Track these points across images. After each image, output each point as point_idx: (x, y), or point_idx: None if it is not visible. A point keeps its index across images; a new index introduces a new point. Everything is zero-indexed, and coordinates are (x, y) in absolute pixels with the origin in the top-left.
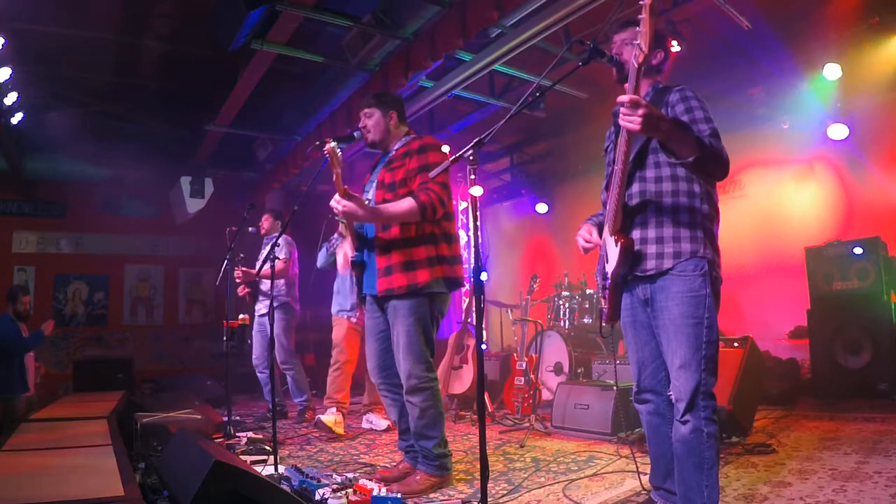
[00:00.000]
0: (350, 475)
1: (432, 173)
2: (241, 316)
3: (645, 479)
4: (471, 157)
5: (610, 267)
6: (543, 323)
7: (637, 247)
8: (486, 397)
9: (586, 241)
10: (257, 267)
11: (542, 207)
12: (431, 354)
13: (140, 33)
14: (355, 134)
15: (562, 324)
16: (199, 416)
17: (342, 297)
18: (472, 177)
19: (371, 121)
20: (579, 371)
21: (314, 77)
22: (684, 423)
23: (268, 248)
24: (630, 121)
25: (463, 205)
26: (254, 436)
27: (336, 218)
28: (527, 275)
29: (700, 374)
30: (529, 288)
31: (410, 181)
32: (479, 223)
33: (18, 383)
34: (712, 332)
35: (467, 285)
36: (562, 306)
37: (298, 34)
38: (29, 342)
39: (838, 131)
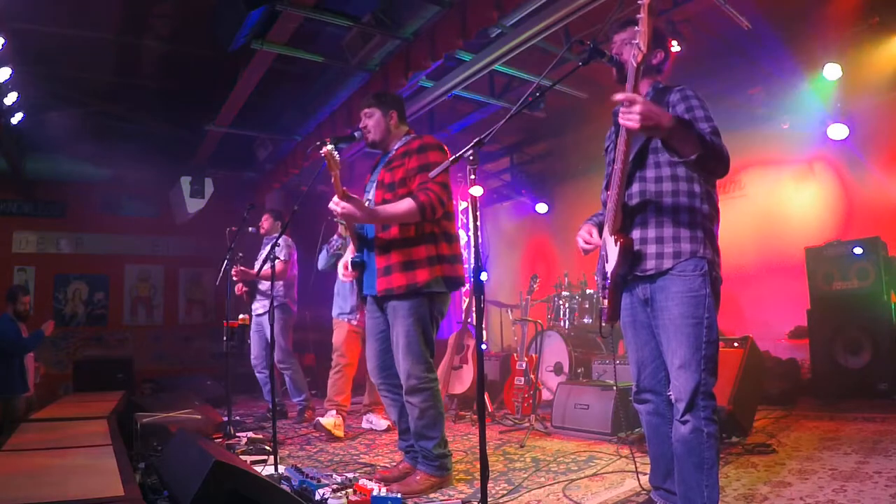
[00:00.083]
0: (350, 475)
1: (432, 173)
2: (241, 316)
3: (644, 479)
4: (471, 157)
5: (610, 267)
6: (543, 323)
7: (637, 247)
8: (486, 397)
9: (586, 243)
10: (256, 267)
11: (542, 207)
12: (431, 355)
13: (140, 33)
14: (356, 134)
15: (562, 324)
16: (199, 416)
17: (342, 299)
18: (472, 177)
19: (371, 121)
20: (579, 371)
21: (314, 77)
22: (684, 422)
23: (267, 248)
24: (629, 118)
25: (463, 205)
26: (254, 436)
27: (336, 220)
28: (527, 275)
29: (700, 374)
30: (529, 288)
31: (410, 181)
32: (479, 223)
33: (18, 383)
34: (712, 332)
35: (467, 285)
36: (562, 306)
37: (298, 34)
38: (29, 343)
39: (838, 131)
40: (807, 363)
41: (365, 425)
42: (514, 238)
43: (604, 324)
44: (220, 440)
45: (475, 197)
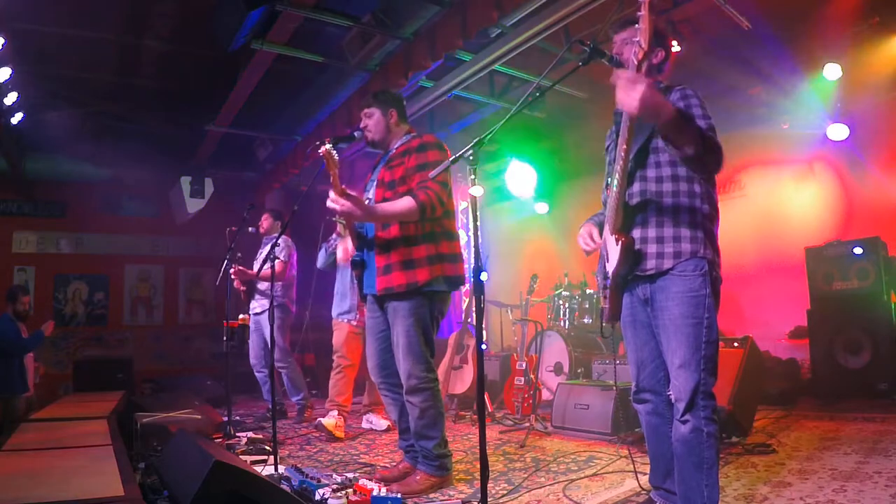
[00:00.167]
0: (350, 475)
1: (432, 174)
2: (241, 316)
3: (644, 479)
4: (471, 157)
5: (611, 266)
6: (543, 323)
7: (637, 246)
8: (486, 397)
9: (587, 245)
10: (256, 267)
11: (542, 207)
12: (431, 354)
13: (140, 33)
14: (355, 134)
15: (562, 324)
16: (199, 416)
17: (341, 299)
18: (472, 177)
19: (371, 120)
20: (579, 371)
21: (314, 77)
22: (684, 422)
23: (267, 248)
24: (628, 96)
25: (463, 205)
26: (254, 436)
27: (334, 219)
28: (527, 275)
29: (700, 374)
30: (529, 288)
31: (409, 179)
32: (479, 223)
33: (18, 383)
34: (712, 332)
35: (467, 285)
36: (562, 306)
37: (298, 34)
38: (28, 343)
39: (838, 131)
40: (807, 363)
41: (365, 425)
42: (514, 238)
43: (604, 324)
44: (220, 440)
45: (475, 197)
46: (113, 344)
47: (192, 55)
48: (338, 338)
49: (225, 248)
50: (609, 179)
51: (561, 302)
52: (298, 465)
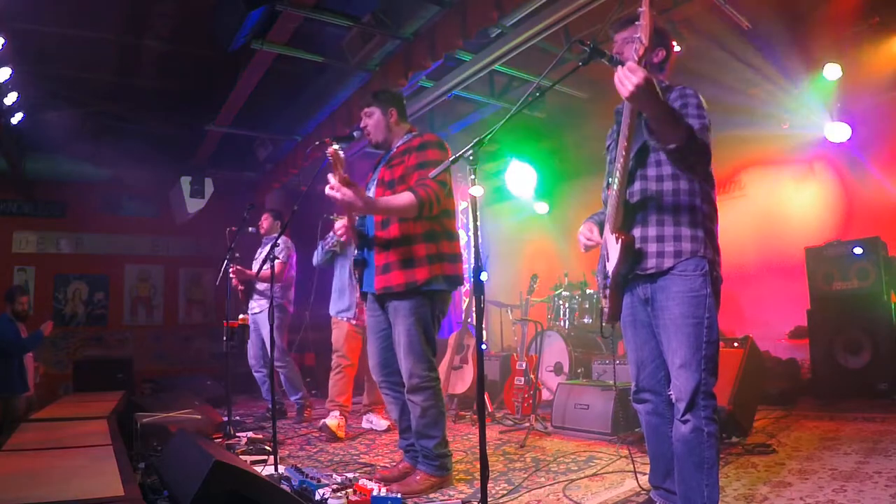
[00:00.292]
0: (350, 475)
1: (432, 173)
2: (241, 316)
3: (644, 479)
4: (471, 157)
5: (611, 265)
6: (543, 323)
7: (638, 245)
8: (486, 397)
9: (587, 240)
10: (255, 267)
11: (542, 207)
12: (433, 353)
13: (140, 33)
14: (355, 134)
15: (562, 324)
16: (199, 416)
17: (339, 295)
18: (472, 177)
19: (371, 120)
20: (579, 371)
21: (314, 77)
22: (684, 422)
23: (267, 248)
24: (627, 79)
25: (463, 205)
26: (254, 436)
27: (332, 217)
28: (527, 275)
29: (700, 374)
30: (529, 288)
31: (409, 178)
32: (479, 223)
33: (18, 383)
34: (712, 331)
35: (467, 285)
36: (562, 306)
37: (298, 34)
38: (28, 343)
39: (838, 131)
40: (807, 363)
41: (365, 425)
42: (514, 238)
43: (604, 323)
44: (220, 440)
45: (475, 197)
46: (113, 344)
47: (192, 55)
48: (337, 337)
49: (225, 248)
50: (610, 178)
51: (561, 302)
52: (298, 465)
